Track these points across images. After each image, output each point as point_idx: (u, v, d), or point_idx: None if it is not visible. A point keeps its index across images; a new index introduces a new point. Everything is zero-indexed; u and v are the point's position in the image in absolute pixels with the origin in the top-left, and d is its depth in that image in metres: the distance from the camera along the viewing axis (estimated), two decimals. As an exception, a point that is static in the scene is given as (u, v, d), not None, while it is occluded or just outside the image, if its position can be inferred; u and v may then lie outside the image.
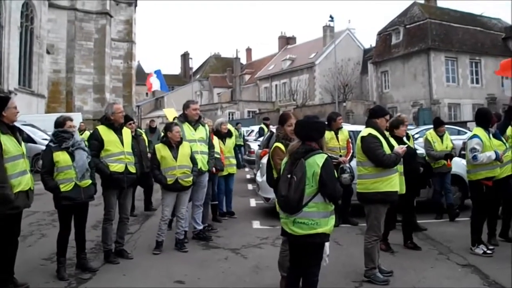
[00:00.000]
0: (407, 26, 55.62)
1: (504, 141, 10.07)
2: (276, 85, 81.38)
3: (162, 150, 9.85)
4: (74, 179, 8.12)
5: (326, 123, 11.47)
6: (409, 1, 70.75)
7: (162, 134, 10.36)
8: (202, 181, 10.77)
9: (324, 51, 72.91)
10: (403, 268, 8.68)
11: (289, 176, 5.95)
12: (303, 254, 6.12)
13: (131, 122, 12.49)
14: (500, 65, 15.65)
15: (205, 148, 10.78)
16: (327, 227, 5.97)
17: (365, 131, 8.09)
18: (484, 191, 9.54)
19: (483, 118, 9.86)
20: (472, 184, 9.79)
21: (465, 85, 53.89)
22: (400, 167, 8.79)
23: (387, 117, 8.40)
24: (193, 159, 10.05)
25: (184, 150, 9.92)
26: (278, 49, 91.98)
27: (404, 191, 9.10)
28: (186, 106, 10.75)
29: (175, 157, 9.79)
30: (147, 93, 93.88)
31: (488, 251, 9.42)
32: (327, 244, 6.17)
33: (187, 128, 10.51)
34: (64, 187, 8.05)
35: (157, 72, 29.82)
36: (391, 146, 8.07)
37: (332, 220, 6.06)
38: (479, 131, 9.67)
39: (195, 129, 10.65)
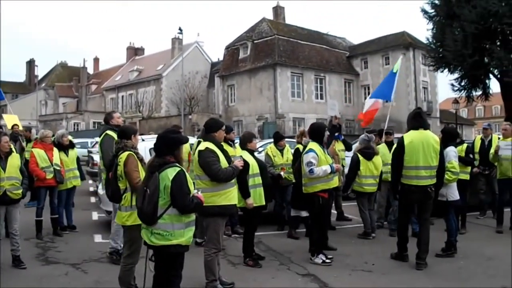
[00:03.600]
0: (255, 41, 56.70)
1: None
2: (122, 96, 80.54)
3: None
4: None
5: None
6: (258, 17, 71.89)
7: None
8: None
9: (172, 63, 72.83)
10: (244, 279, 8.76)
11: (144, 188, 6.07)
12: (164, 263, 6.25)
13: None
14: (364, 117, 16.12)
15: None
16: (183, 239, 6.12)
17: (202, 145, 8.09)
18: (321, 203, 9.80)
19: (317, 132, 10.14)
20: (309, 197, 9.99)
21: (309, 100, 55.62)
22: (257, 179, 9.24)
23: (224, 127, 8.45)
24: (22, 171, 9.67)
25: (13, 161, 9.55)
26: (126, 59, 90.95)
27: (263, 203, 9.52)
28: (110, 116, 10.20)
29: (4, 168, 9.39)
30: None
31: (327, 260, 9.71)
32: None
33: None
34: None
35: None
36: (228, 158, 8.10)
37: (189, 232, 6.20)
38: (314, 145, 9.93)
39: None
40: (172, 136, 6.43)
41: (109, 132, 10.03)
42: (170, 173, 6.00)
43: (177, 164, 6.17)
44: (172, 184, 5.94)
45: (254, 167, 9.53)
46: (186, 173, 6.23)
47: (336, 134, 13.37)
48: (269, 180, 10.35)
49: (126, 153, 7.38)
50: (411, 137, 9.47)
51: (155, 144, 6.44)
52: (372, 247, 11.19)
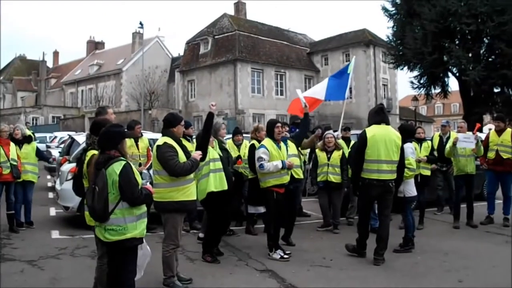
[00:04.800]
0: (216, 37, 56.68)
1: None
2: (82, 91, 79.55)
3: None
4: None
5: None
6: (220, 12, 71.80)
7: None
8: None
9: (132, 58, 72.27)
10: (203, 275, 8.75)
11: (93, 186, 6.03)
12: (118, 259, 6.20)
13: None
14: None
15: None
16: (137, 231, 6.09)
17: (161, 140, 8.06)
18: (275, 198, 9.86)
19: (268, 129, 10.22)
20: (264, 192, 10.07)
21: (269, 96, 55.76)
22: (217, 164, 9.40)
23: (183, 122, 8.40)
24: None
25: None
26: (86, 53, 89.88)
27: (225, 187, 9.56)
28: (104, 111, 9.68)
29: None
30: None
31: (285, 256, 9.77)
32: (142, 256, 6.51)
33: None
34: None
35: None
36: (186, 153, 8.07)
37: (142, 224, 6.18)
38: (267, 141, 10.07)
39: None
40: (114, 130, 6.36)
41: None
42: (117, 167, 5.96)
43: (122, 158, 6.13)
44: (120, 178, 5.92)
45: (213, 153, 9.56)
46: (132, 166, 6.21)
47: (292, 128, 13.45)
48: (230, 173, 10.34)
49: (92, 152, 7.27)
50: (373, 131, 9.55)
51: (98, 141, 6.42)
52: (331, 243, 11.28)
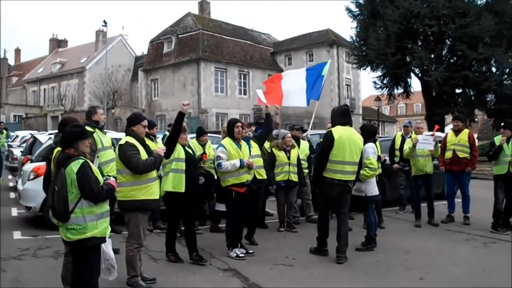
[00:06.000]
0: (180, 36, 56.56)
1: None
2: (45, 89, 78.73)
3: None
4: None
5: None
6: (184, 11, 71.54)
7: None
8: None
9: (95, 56, 71.83)
10: (166, 274, 8.76)
11: (54, 186, 6.02)
12: (80, 258, 6.20)
13: None
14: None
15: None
16: (97, 230, 6.08)
17: (123, 139, 8.08)
18: (234, 197, 9.95)
19: (230, 128, 10.29)
20: (224, 191, 10.18)
21: (233, 95, 55.82)
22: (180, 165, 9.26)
23: (144, 122, 8.35)
24: None
25: None
26: (49, 51, 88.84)
27: (182, 190, 9.35)
28: (94, 111, 9.85)
29: None
30: None
31: (241, 255, 9.87)
32: (112, 257, 6.51)
33: (102, 135, 9.90)
34: None
35: None
36: (149, 153, 8.07)
37: (103, 223, 6.19)
38: (226, 140, 10.20)
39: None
40: (70, 130, 6.35)
41: (87, 128, 9.79)
42: (75, 166, 5.96)
43: (81, 157, 6.11)
44: (78, 176, 5.91)
45: (179, 152, 9.44)
46: (91, 164, 6.20)
47: (258, 129, 13.49)
48: (196, 175, 10.29)
49: (58, 149, 7.23)
50: (339, 132, 9.63)
51: (60, 139, 6.44)
52: (293, 242, 11.38)
